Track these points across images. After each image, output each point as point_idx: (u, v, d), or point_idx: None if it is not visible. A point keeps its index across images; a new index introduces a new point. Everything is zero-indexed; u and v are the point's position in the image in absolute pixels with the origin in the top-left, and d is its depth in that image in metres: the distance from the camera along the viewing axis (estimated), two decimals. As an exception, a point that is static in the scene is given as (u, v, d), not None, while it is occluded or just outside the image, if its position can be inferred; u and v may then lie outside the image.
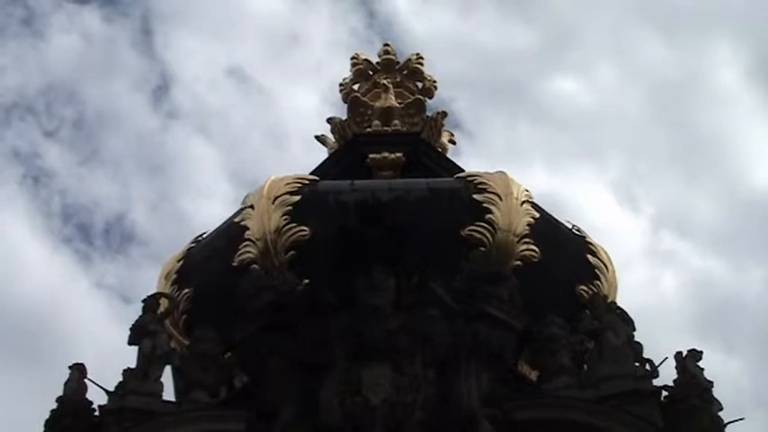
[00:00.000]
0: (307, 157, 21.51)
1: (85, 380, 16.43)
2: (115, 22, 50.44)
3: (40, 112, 47.08)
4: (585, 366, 16.77)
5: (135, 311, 16.87)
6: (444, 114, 23.31)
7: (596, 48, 49.20)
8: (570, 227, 20.12)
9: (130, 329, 16.66)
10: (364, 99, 23.24)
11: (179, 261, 19.71)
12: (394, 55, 24.34)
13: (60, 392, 16.26)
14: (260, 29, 50.37)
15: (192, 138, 48.72)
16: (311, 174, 20.39)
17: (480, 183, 19.23)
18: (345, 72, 24.40)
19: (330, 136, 23.41)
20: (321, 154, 22.87)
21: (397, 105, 22.85)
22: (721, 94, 46.05)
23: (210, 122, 53.98)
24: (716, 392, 16.10)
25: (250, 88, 51.15)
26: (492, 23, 49.71)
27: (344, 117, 23.26)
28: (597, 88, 48.31)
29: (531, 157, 44.25)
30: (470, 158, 20.81)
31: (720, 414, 15.88)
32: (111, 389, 16.07)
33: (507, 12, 52.38)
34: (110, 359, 17.24)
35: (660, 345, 16.58)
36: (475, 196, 18.96)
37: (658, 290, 41.21)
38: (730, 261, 44.40)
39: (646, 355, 16.30)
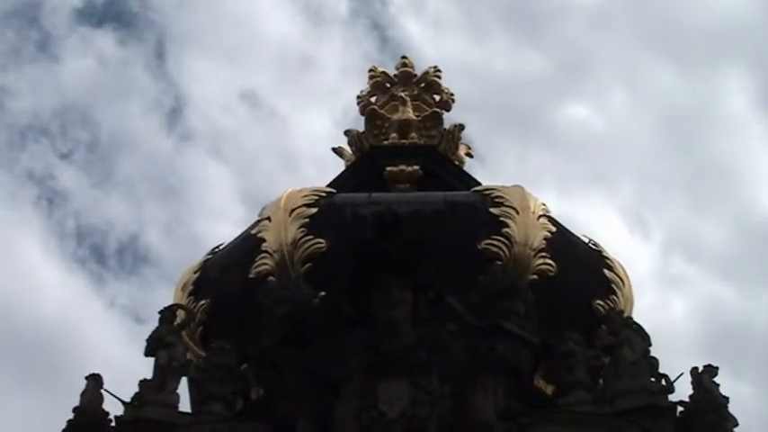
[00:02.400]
0: (319, 179, 21.50)
1: (102, 390, 16.43)
2: (129, 45, 50.75)
3: (55, 134, 47.41)
4: (601, 381, 16.77)
5: (147, 331, 16.89)
6: (462, 127, 23.23)
7: (608, 74, 49.28)
8: (587, 241, 20.10)
9: (147, 340, 16.68)
10: (381, 111, 23.24)
11: (195, 272, 19.74)
12: (411, 68, 24.29)
13: (77, 403, 16.28)
14: (273, 53, 50.58)
15: (205, 160, 48.84)
16: (328, 186, 20.42)
17: (497, 196, 19.24)
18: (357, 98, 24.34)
19: (347, 148, 23.41)
20: (333, 172, 22.80)
21: (415, 118, 22.82)
22: (731, 121, 46.24)
23: (223, 145, 54.15)
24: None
25: (263, 111, 51.34)
26: (504, 49, 49.85)
27: (362, 130, 23.26)
28: (608, 114, 48.41)
29: (543, 182, 44.26)
30: (483, 180, 20.74)
31: (736, 430, 15.86)
32: (128, 400, 16.10)
33: (519, 38, 52.53)
34: (124, 374, 17.28)
35: (672, 365, 16.57)
36: (491, 210, 18.97)
37: (668, 314, 41.25)
38: (740, 286, 44.43)
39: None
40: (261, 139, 50.49)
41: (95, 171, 49.30)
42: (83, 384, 16.57)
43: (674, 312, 42.68)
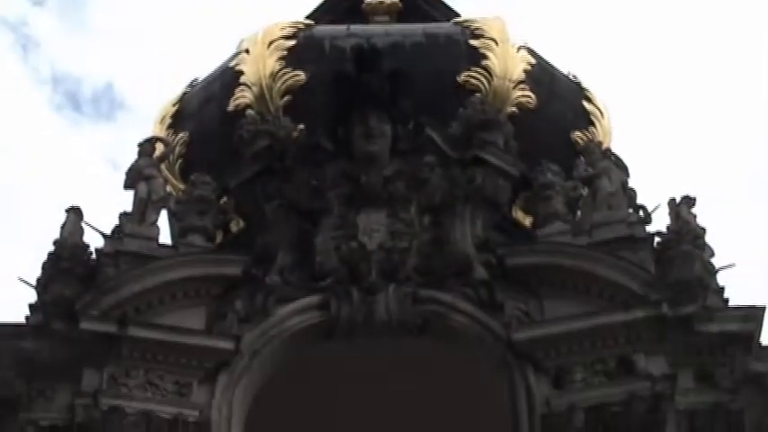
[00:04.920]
0: (297, 12, 21.00)
1: (82, 224, 16.46)
2: None
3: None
4: (579, 213, 16.88)
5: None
6: (440, -43, 22.89)
7: None
8: (567, 73, 20.02)
9: (126, 173, 16.67)
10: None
11: (174, 105, 19.65)
12: None
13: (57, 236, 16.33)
14: None
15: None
16: (306, 18, 20.20)
17: (477, 28, 19.11)
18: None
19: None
20: (312, 4, 22.42)
21: (393, -51, 22.43)
22: None
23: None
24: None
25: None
26: None
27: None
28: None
29: (524, 13, 43.43)
30: (463, 12, 20.42)
31: (713, 260, 16.03)
32: (108, 233, 16.15)
33: None
34: (105, 210, 17.25)
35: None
36: (471, 42, 18.86)
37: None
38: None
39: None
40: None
41: (70, 17, 48.40)
42: (65, 208, 16.62)
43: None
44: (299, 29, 19.19)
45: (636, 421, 14.10)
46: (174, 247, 16.28)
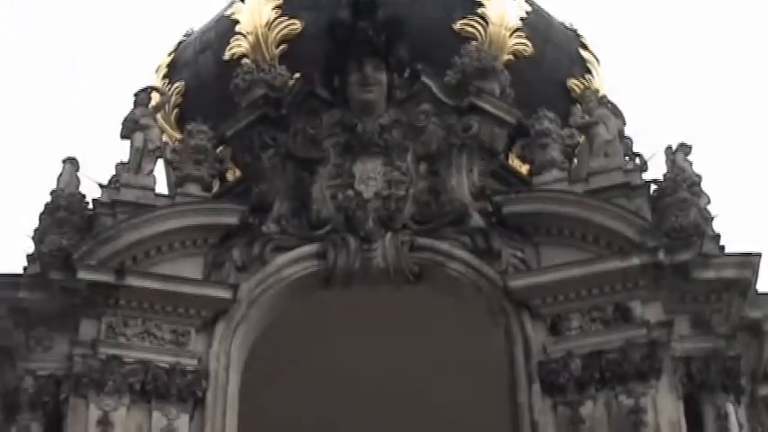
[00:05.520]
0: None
1: (78, 174, 16.45)
2: None
3: None
4: (576, 160, 16.88)
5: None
6: None
7: None
8: (563, 21, 19.94)
9: (122, 123, 16.63)
10: None
11: (169, 55, 19.60)
12: None
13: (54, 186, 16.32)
14: None
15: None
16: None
17: (472, -25, 19.00)
18: None
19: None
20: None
21: None
22: None
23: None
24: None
25: None
26: None
27: None
28: None
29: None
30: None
31: (708, 207, 16.05)
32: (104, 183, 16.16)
33: None
34: (101, 158, 17.21)
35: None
36: (467, -12, 18.76)
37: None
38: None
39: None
40: None
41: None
42: (62, 159, 16.65)
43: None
44: (295, -23, 19.08)
45: (632, 368, 14.14)
46: (170, 196, 16.27)
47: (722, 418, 14.14)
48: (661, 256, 14.56)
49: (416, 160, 15.84)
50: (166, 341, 14.85)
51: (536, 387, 14.37)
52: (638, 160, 16.31)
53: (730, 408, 14.23)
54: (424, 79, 16.22)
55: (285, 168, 15.98)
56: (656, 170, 16.21)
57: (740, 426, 14.26)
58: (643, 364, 14.15)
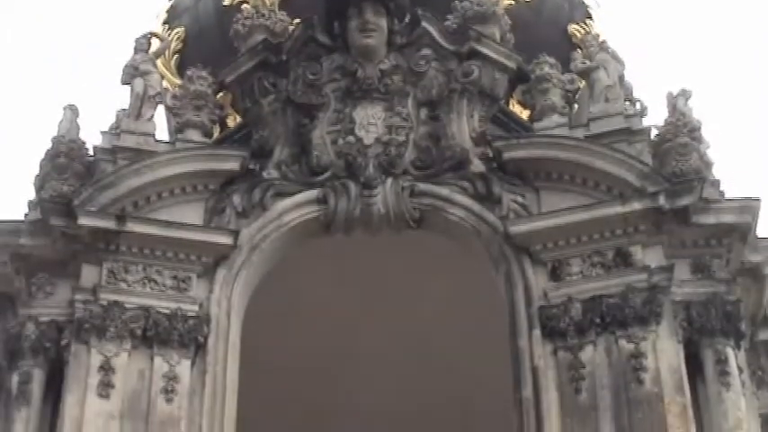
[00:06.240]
0: None
1: (78, 120, 16.43)
2: None
3: None
4: (576, 106, 16.86)
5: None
6: None
7: None
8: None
9: (122, 69, 16.61)
10: None
11: (169, 0, 19.50)
12: None
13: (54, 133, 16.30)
14: None
15: None
16: None
17: None
18: None
19: None
20: None
21: None
22: None
23: None
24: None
25: None
26: None
27: None
28: None
29: None
30: None
31: (709, 152, 16.04)
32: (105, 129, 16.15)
33: None
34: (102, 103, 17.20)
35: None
36: (467, -68, 18.59)
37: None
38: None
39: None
40: None
41: None
42: (62, 106, 16.62)
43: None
44: None
45: (632, 312, 14.17)
46: (171, 142, 16.27)
47: (722, 362, 14.15)
48: (662, 200, 14.56)
49: (417, 106, 15.81)
50: (167, 287, 14.86)
51: (536, 332, 14.39)
52: (638, 105, 16.29)
53: (730, 352, 14.25)
54: (425, 24, 16.14)
55: (285, 114, 15.95)
56: (657, 116, 16.22)
57: (740, 370, 14.28)
58: (643, 309, 14.18)
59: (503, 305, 15.02)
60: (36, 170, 16.02)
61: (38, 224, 15.07)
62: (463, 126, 15.81)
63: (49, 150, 15.99)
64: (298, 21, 16.92)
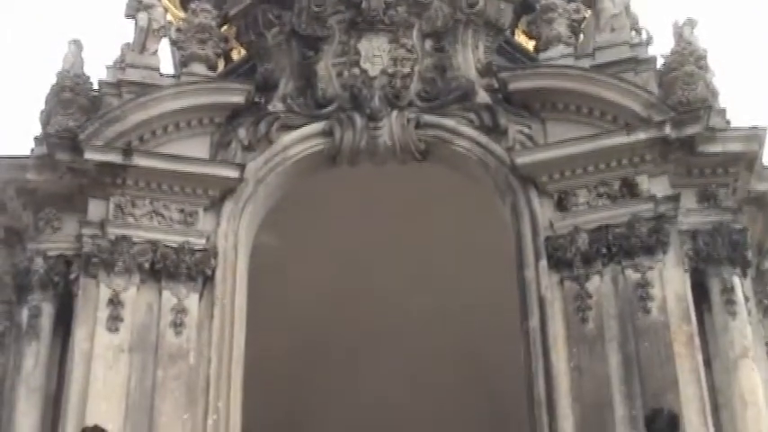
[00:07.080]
0: None
1: (83, 55, 16.37)
2: None
3: None
4: (582, 35, 16.76)
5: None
6: None
7: None
8: None
9: (126, 3, 16.53)
10: None
11: (172, -68, 19.35)
12: None
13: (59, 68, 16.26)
14: None
15: None
16: None
17: None
18: None
19: None
20: None
21: None
22: None
23: None
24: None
25: None
26: None
27: None
28: None
29: None
30: None
31: (714, 81, 15.98)
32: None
33: None
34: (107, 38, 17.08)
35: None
36: None
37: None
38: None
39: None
40: None
41: None
42: (67, 41, 16.57)
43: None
44: None
45: (639, 242, 14.20)
46: (176, 76, 16.22)
47: (728, 290, 14.20)
48: (668, 130, 14.54)
49: (422, 37, 15.77)
50: (174, 221, 14.90)
51: (543, 263, 14.45)
52: (644, 35, 16.20)
53: (736, 281, 14.30)
54: (428, -44, 16.05)
55: (290, 46, 15.92)
56: (663, 47, 16.14)
57: (746, 298, 14.34)
58: (650, 239, 14.21)
59: (509, 236, 15.05)
60: (41, 105, 16.01)
61: (44, 159, 15.07)
62: (468, 57, 15.77)
63: (54, 85, 15.97)
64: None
